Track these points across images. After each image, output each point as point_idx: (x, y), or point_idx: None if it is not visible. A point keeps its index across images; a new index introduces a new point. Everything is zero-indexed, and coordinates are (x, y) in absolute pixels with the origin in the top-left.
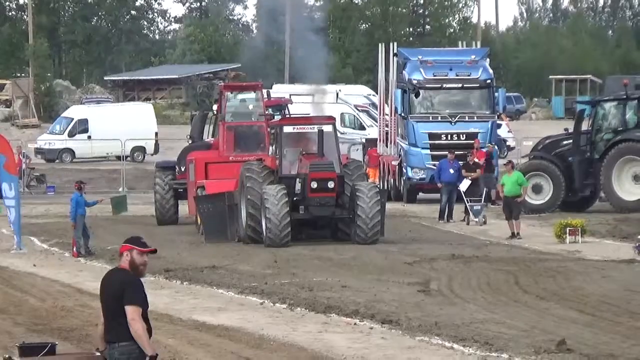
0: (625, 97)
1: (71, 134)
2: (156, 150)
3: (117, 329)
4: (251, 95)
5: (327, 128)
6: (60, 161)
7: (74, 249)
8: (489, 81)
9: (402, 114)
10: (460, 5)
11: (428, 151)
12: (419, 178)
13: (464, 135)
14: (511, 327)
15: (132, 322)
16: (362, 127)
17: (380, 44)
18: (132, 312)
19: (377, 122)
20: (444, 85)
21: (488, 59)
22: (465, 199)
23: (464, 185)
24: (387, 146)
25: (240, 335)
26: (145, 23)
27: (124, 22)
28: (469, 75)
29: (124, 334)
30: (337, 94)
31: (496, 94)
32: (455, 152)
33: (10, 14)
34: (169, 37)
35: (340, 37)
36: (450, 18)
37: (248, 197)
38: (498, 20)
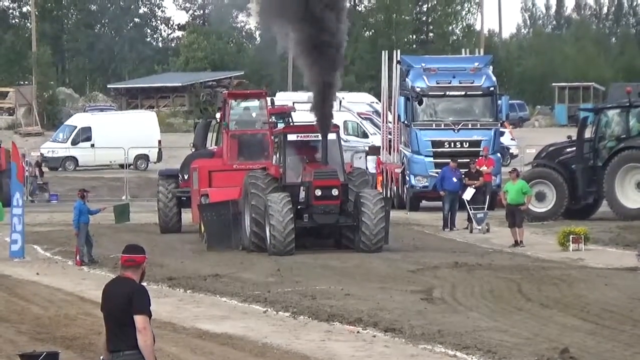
0: (628, 104)
1: (74, 142)
2: (159, 158)
3: (122, 338)
4: (255, 103)
5: (331, 136)
6: (63, 169)
7: (77, 257)
8: (492, 89)
9: (405, 122)
10: (464, 12)
11: (431, 159)
12: (422, 186)
13: (467, 143)
14: (514, 335)
15: (143, 331)
16: (365, 135)
17: (383, 52)
18: (142, 322)
19: (380, 129)
20: (447, 93)
21: (491, 67)
22: (468, 206)
23: (468, 194)
24: (390, 154)
25: (243, 343)
26: (149, 31)
27: (127, 30)
28: (472, 83)
29: (129, 342)
30: (340, 102)
31: (499, 102)
32: (458, 160)
33: (13, 21)
34: (172, 45)
35: None
36: (454, 25)
37: (252, 205)
38: (501, 27)
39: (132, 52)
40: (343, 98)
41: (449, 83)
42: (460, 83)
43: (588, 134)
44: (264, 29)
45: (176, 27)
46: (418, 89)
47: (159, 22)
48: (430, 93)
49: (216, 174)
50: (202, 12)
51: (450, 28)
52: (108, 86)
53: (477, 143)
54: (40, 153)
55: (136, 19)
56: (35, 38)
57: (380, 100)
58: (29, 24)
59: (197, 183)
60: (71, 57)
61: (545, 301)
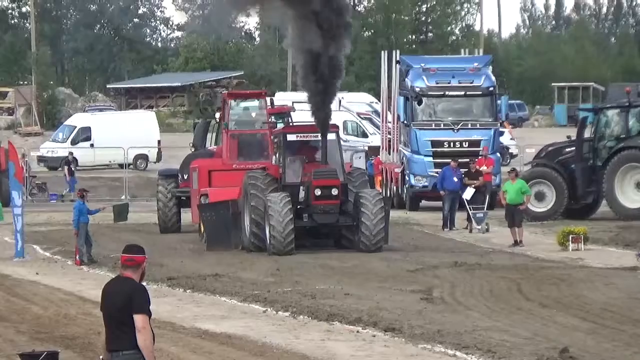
0: (627, 104)
1: (74, 142)
2: (159, 158)
3: (121, 337)
4: (254, 103)
5: (330, 136)
6: (63, 169)
7: (77, 257)
8: (491, 89)
9: (405, 122)
10: (463, 13)
11: (431, 159)
12: (422, 186)
13: (467, 143)
14: (514, 335)
15: (142, 331)
16: (364, 135)
17: (382, 52)
18: (142, 321)
19: (379, 129)
20: (447, 93)
21: (491, 67)
22: (468, 206)
23: (468, 193)
24: (389, 154)
25: (243, 343)
26: (148, 31)
27: (126, 30)
28: (471, 83)
29: (129, 342)
30: (340, 102)
31: (499, 102)
32: (458, 160)
33: (13, 22)
34: (172, 45)
35: None
36: (453, 25)
37: (252, 206)
38: (500, 27)
39: (131, 52)
40: (342, 98)
41: (449, 83)
42: (459, 83)
43: (587, 133)
44: (264, 19)
45: (175, 28)
46: (417, 89)
47: (158, 22)
48: (429, 93)
49: (216, 174)
50: (201, 12)
51: (450, 28)
52: (107, 86)
53: (476, 143)
54: (70, 152)
55: (135, 19)
56: (34, 38)
57: (379, 100)
58: (28, 24)
59: (197, 183)
60: (70, 57)
61: (545, 301)
